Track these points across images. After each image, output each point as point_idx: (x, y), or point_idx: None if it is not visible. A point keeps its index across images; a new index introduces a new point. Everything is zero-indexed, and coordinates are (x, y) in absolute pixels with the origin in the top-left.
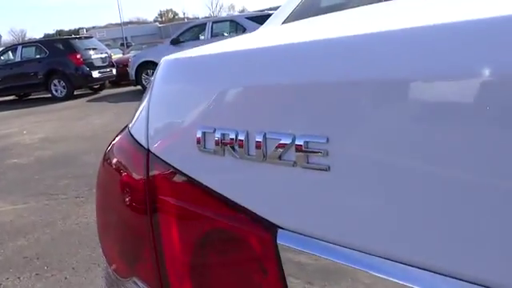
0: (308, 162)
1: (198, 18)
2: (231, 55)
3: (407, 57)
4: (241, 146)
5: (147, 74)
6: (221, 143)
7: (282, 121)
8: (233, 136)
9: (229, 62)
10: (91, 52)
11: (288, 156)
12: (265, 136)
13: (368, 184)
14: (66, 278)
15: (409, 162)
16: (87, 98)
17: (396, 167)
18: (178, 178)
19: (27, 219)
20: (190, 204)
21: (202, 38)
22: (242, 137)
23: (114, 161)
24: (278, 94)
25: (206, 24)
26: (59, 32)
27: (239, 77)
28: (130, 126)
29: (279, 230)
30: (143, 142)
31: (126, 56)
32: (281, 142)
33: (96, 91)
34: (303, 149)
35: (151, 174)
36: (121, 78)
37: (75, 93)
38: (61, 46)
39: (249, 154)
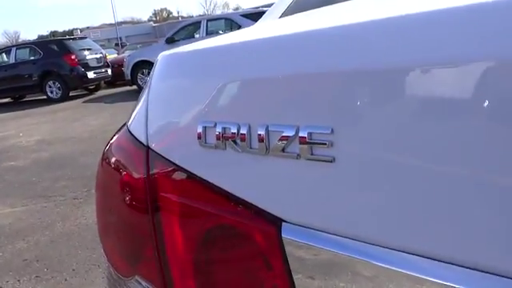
0: (312, 154)
1: (193, 17)
2: (230, 48)
3: (412, 45)
4: (243, 139)
5: (143, 74)
6: (222, 137)
7: (284, 113)
8: (234, 130)
9: (228, 56)
10: (86, 52)
11: (292, 148)
12: (267, 129)
13: (374, 174)
14: (66, 280)
15: (415, 152)
16: (83, 99)
17: (402, 158)
18: (178, 175)
19: (26, 222)
20: (192, 200)
21: (196, 36)
22: (243, 130)
23: (113, 160)
24: (280, 86)
25: (200, 22)
26: (53, 33)
27: (239, 70)
28: (129, 123)
29: (283, 224)
30: (142, 139)
31: (121, 56)
32: (284, 134)
33: (91, 92)
34: (307, 140)
35: (151, 171)
36: (116, 78)
37: (70, 94)
38: (55, 47)
39: (251, 148)
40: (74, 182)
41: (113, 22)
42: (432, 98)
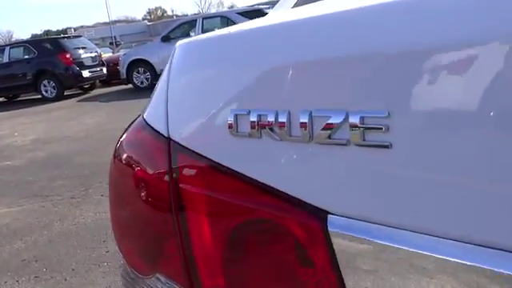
0: (364, 140)
1: (187, 15)
2: (263, 32)
3: (472, 21)
4: (282, 127)
5: (138, 73)
6: (257, 126)
7: (330, 97)
8: (272, 117)
9: (261, 40)
10: (81, 51)
11: (340, 134)
12: (311, 115)
13: (434, 160)
14: (65, 280)
15: (479, 135)
16: (78, 98)
17: (465, 141)
18: (206, 167)
19: (23, 221)
20: (222, 193)
21: (192, 34)
22: (282, 117)
23: (128, 154)
24: (325, 69)
25: (196, 20)
26: (47, 32)
27: (276, 54)
28: (145, 115)
29: (329, 216)
30: (163, 130)
31: (116, 55)
32: (331, 119)
33: (86, 91)
34: (359, 125)
35: (174, 164)
36: (111, 77)
37: (65, 93)
38: (50, 46)
39: (291, 135)
40: (71, 182)
41: (107, 20)
42: (494, 75)
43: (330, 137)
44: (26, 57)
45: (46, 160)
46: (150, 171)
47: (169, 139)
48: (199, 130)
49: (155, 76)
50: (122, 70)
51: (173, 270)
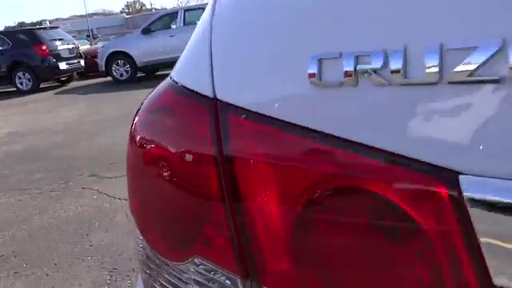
0: None
1: (166, 9)
2: None
3: None
4: (394, 68)
5: (118, 65)
6: (354, 71)
7: (471, 22)
8: (378, 59)
9: None
10: (57, 43)
11: (488, 70)
12: (441, 48)
13: None
14: (47, 275)
15: None
16: (55, 91)
17: None
18: (273, 129)
19: (0, 216)
20: (296, 160)
21: (173, 26)
22: (396, 57)
23: (155, 127)
24: None
25: (177, 12)
26: (21, 24)
27: None
28: (175, 74)
29: (462, 178)
30: (205, 90)
31: (94, 47)
32: (475, 52)
33: (63, 83)
34: None
35: (224, 129)
36: (89, 70)
37: (42, 86)
38: (25, 37)
39: (406, 77)
40: (49, 175)
41: (83, 13)
42: None
43: (471, 74)
44: (0, 48)
45: (22, 153)
46: (189, 141)
47: (215, 100)
48: (261, 84)
49: (135, 68)
50: (101, 62)
51: (221, 255)
